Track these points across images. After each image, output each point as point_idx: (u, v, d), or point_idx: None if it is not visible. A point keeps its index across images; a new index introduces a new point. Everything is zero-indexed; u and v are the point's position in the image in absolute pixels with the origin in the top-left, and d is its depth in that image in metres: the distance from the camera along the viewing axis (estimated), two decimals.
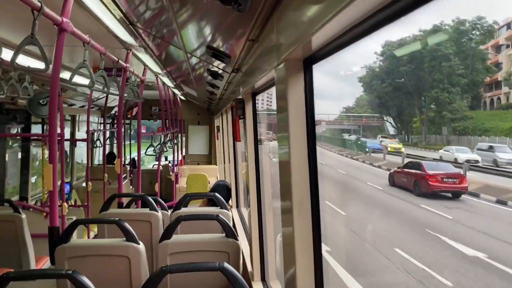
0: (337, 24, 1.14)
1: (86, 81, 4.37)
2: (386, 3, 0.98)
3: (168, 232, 3.11)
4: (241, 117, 3.50)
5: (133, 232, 2.91)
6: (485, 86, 14.38)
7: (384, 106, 18.68)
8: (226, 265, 2.17)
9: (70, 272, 1.99)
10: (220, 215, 3.24)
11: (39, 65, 4.12)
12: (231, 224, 3.43)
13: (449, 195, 10.09)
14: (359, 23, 1.11)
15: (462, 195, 9.95)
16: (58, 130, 5.34)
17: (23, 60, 3.87)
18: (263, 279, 3.54)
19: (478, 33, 13.69)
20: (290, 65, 1.63)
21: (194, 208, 4.68)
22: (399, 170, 11.92)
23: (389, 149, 15.05)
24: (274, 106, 2.10)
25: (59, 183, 5.73)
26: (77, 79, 2.78)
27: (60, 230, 2.88)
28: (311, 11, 1.29)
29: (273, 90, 2.13)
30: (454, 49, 13.81)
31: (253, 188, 3.59)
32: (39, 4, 1.97)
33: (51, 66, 2.42)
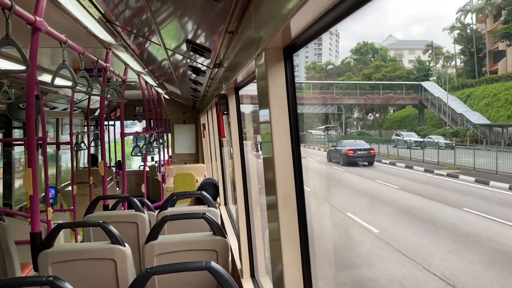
0: (315, 7, 1.11)
1: (67, 83, 4.30)
2: None
3: (154, 233, 3.07)
4: (225, 112, 3.47)
5: (118, 234, 2.86)
6: None
7: None
8: (213, 264, 2.13)
9: (51, 278, 1.89)
10: (207, 214, 3.19)
11: (17, 67, 4.05)
12: (219, 222, 3.40)
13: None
14: (336, 5, 1.08)
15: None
16: (40, 134, 5.25)
17: None
18: (253, 275, 3.51)
19: None
20: (269, 55, 1.59)
21: (181, 207, 4.63)
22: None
23: None
24: None
25: (43, 187, 5.66)
26: (58, 81, 2.71)
27: (44, 235, 2.81)
28: None
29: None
30: None
31: (239, 184, 3.56)
32: (9, 3, 1.91)
33: None
